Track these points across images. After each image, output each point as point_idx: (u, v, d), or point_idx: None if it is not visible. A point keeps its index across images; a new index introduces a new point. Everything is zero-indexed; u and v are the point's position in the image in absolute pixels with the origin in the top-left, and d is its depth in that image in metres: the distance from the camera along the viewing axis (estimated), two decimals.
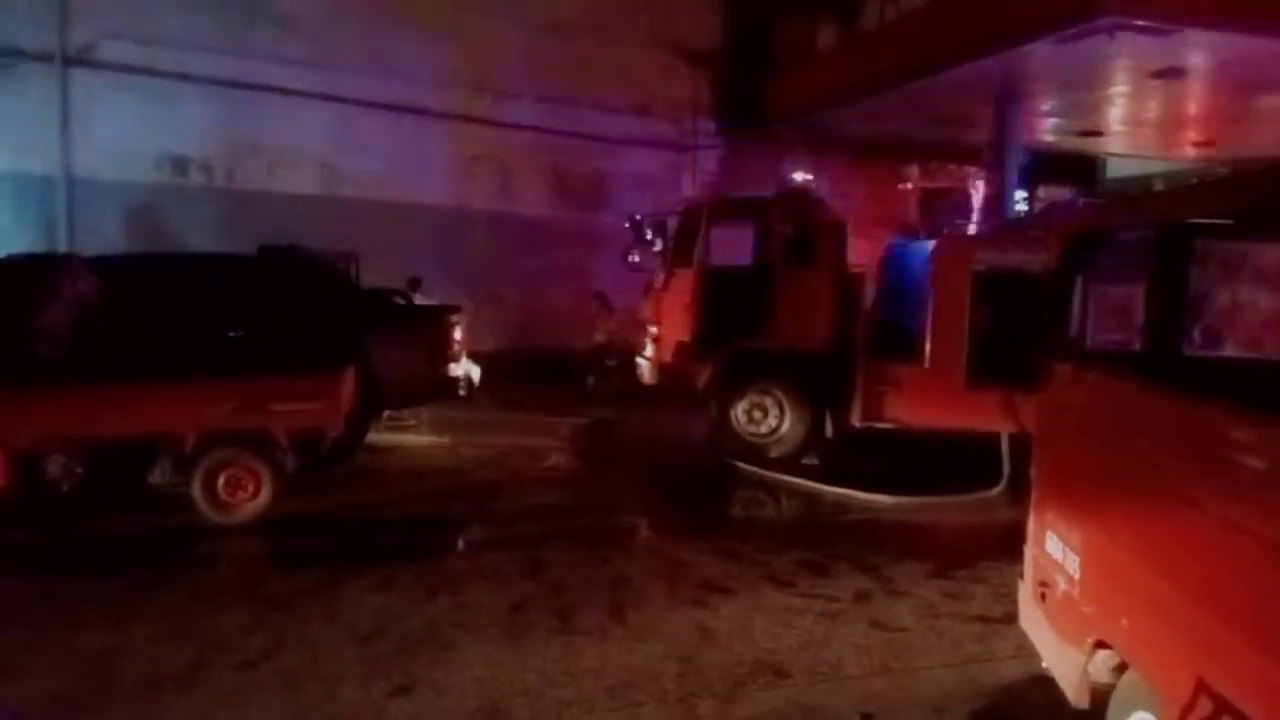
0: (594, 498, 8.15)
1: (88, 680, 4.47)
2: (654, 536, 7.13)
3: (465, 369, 9.28)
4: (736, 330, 9.41)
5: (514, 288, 15.78)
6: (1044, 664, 3.82)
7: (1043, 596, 3.70)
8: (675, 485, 8.90)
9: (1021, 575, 4.11)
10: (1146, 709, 2.89)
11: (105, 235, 12.07)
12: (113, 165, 13.33)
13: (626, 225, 10.74)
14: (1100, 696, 3.26)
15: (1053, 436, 3.74)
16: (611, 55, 16.65)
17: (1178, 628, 2.65)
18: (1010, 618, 5.00)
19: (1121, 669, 3.14)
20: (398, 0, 15.06)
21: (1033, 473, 3.93)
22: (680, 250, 9.98)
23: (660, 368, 10.01)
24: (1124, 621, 3.00)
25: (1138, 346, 3.19)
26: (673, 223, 10.30)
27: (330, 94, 14.39)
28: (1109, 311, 3.51)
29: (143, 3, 13.37)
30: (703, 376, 9.56)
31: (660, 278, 10.29)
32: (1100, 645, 3.18)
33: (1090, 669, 3.26)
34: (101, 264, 7.63)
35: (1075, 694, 3.33)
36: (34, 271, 7.11)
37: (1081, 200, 12.33)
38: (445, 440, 10.08)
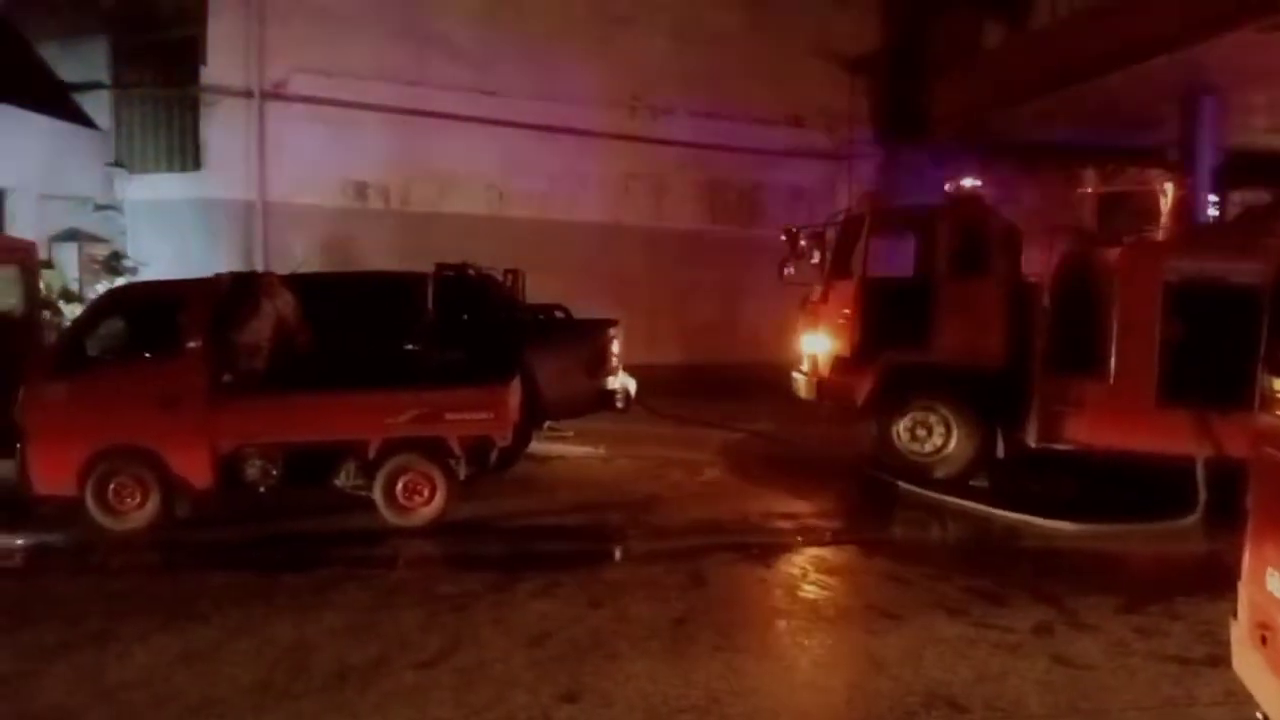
0: (751, 513, 8.07)
1: (282, 670, 4.79)
2: (814, 556, 6.97)
3: (622, 382, 9.42)
4: (899, 343, 9.08)
5: (669, 302, 15.94)
6: (1260, 715, 3.46)
7: (1263, 640, 3.35)
8: (834, 503, 8.68)
9: (1233, 614, 3.75)
10: None
11: (295, 255, 13.07)
12: (302, 190, 14.47)
13: (782, 237, 10.61)
14: None
15: (1276, 462, 3.38)
16: (764, 67, 16.60)
17: None
18: (1213, 660, 4.60)
19: None
20: (556, 26, 15.62)
21: (1249, 502, 3.57)
22: (839, 261, 9.75)
23: (817, 382, 9.79)
24: None
25: None
26: (831, 233, 10.08)
27: (496, 119, 15.07)
28: None
29: (327, 39, 14.46)
30: (862, 392, 9.27)
31: (817, 290, 10.09)
32: None
33: None
34: (297, 281, 8.25)
35: None
36: (237, 289, 7.75)
37: None
38: (601, 451, 10.27)
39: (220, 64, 14.33)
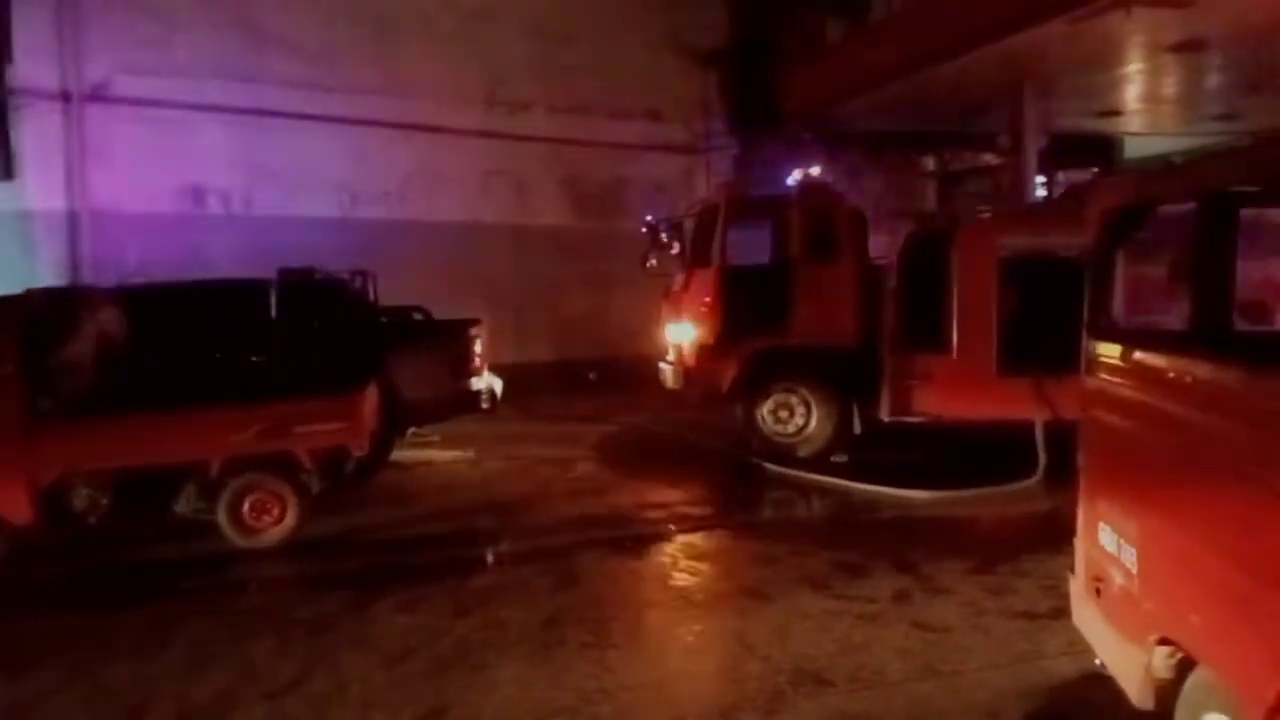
0: (622, 505, 8.03)
1: (118, 717, 4.39)
2: (686, 543, 6.99)
3: (488, 382, 9.19)
4: (759, 329, 9.27)
5: (536, 299, 15.72)
6: (1099, 662, 3.65)
7: (1097, 591, 3.52)
8: (704, 490, 8.76)
9: (1070, 569, 3.94)
10: (1222, 711, 2.71)
11: (127, 266, 12.12)
12: (132, 198, 13.41)
13: (643, 229, 10.63)
14: (1165, 694, 3.08)
15: (1100, 422, 3.56)
16: (620, 61, 16.58)
17: (1259, 623, 2.46)
18: (1058, 613, 4.84)
19: (1186, 666, 2.96)
20: (405, 21, 15.09)
21: (1079, 462, 3.75)
22: (698, 251, 9.86)
23: (683, 371, 9.87)
24: (1193, 618, 2.83)
25: (1186, 323, 3.03)
26: (689, 224, 10.19)
27: (343, 117, 14.42)
28: (1153, 288, 3.35)
29: (153, 37, 13.45)
30: (727, 378, 9.41)
31: (679, 280, 10.17)
32: (1164, 642, 3.00)
33: (1153, 667, 3.09)
34: (122, 294, 7.62)
35: (1139, 694, 3.15)
36: (54, 306, 7.09)
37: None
38: (470, 455, 10.00)
39: (30, 64, 13.08)
